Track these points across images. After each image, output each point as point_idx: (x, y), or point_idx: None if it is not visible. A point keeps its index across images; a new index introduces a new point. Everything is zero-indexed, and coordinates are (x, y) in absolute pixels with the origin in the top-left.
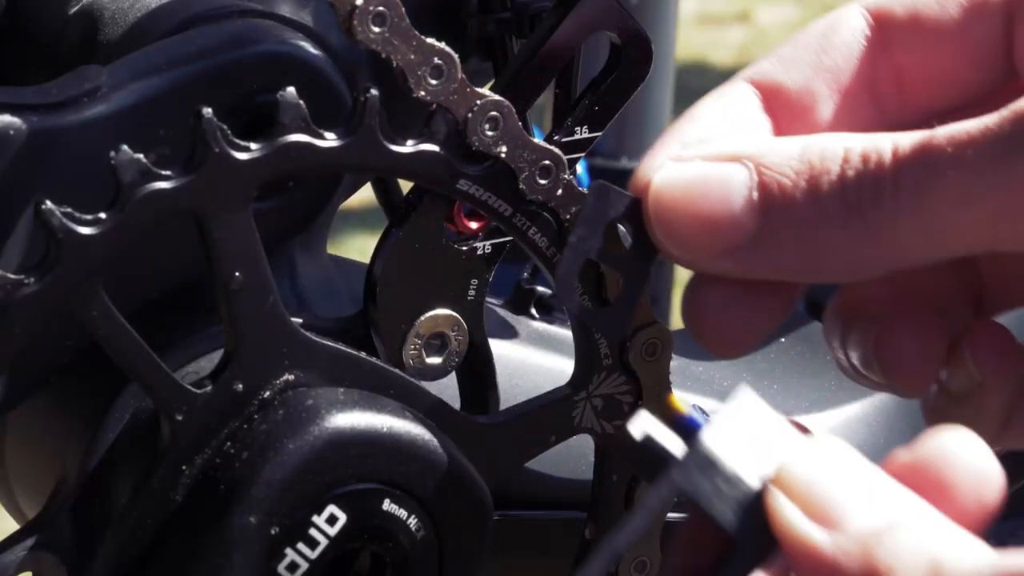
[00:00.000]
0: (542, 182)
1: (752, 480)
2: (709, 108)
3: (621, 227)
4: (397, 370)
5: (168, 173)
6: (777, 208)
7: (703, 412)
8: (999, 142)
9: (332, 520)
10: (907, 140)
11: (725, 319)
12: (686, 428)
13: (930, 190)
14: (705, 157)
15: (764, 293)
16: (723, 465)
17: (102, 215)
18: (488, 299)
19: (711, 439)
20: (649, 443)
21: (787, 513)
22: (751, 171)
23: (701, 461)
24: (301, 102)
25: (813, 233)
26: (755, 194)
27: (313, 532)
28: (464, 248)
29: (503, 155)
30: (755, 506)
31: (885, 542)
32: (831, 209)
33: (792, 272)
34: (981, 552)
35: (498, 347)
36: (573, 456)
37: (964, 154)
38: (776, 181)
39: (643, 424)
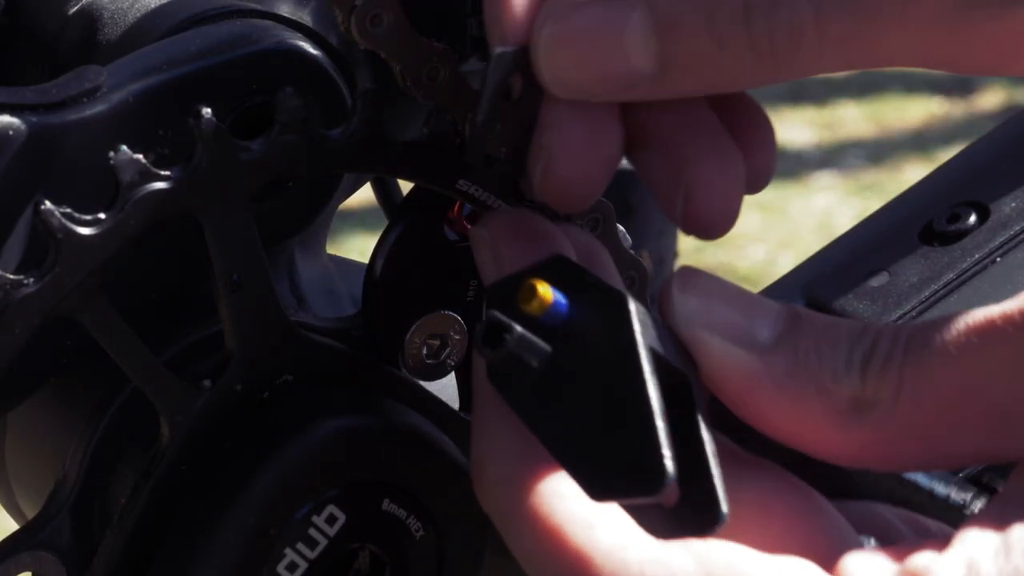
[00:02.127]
0: None
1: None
2: None
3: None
4: (397, 370)
5: (168, 173)
6: (678, 48)
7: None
8: None
9: (331, 520)
10: None
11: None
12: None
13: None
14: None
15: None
16: (652, 315)
17: (102, 215)
18: None
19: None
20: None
21: (714, 342)
22: (644, 13)
23: (641, 318)
24: (301, 102)
25: (715, 63)
26: (652, 40)
27: (312, 532)
28: (464, 248)
29: (503, 155)
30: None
31: None
32: (734, 42)
33: (693, 93)
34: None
35: None
36: None
37: None
38: (671, 20)
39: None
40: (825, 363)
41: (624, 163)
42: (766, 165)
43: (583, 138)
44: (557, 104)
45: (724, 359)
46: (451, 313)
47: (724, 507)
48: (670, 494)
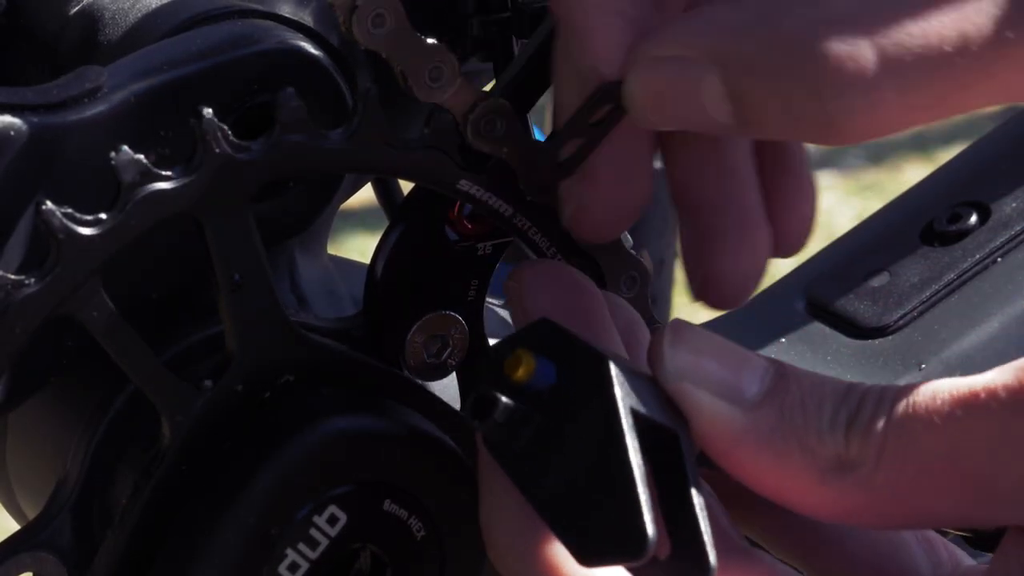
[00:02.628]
0: None
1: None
2: None
3: None
4: (397, 370)
5: (168, 173)
6: (750, 115)
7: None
8: None
9: (333, 520)
10: None
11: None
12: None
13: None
14: (671, 56)
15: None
16: (636, 374)
17: (102, 216)
18: (488, 299)
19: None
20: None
21: (702, 397)
22: (716, 78)
23: (621, 381)
24: (301, 102)
25: (790, 129)
26: (726, 103)
27: (314, 532)
28: (464, 248)
29: (504, 155)
30: (658, 390)
31: None
32: (809, 119)
33: (772, 139)
34: None
35: None
36: None
37: None
38: (743, 90)
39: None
40: (810, 422)
41: None
42: (799, 231)
43: (616, 191)
44: (595, 157)
45: (711, 415)
46: (452, 313)
47: (712, 559)
48: (660, 548)
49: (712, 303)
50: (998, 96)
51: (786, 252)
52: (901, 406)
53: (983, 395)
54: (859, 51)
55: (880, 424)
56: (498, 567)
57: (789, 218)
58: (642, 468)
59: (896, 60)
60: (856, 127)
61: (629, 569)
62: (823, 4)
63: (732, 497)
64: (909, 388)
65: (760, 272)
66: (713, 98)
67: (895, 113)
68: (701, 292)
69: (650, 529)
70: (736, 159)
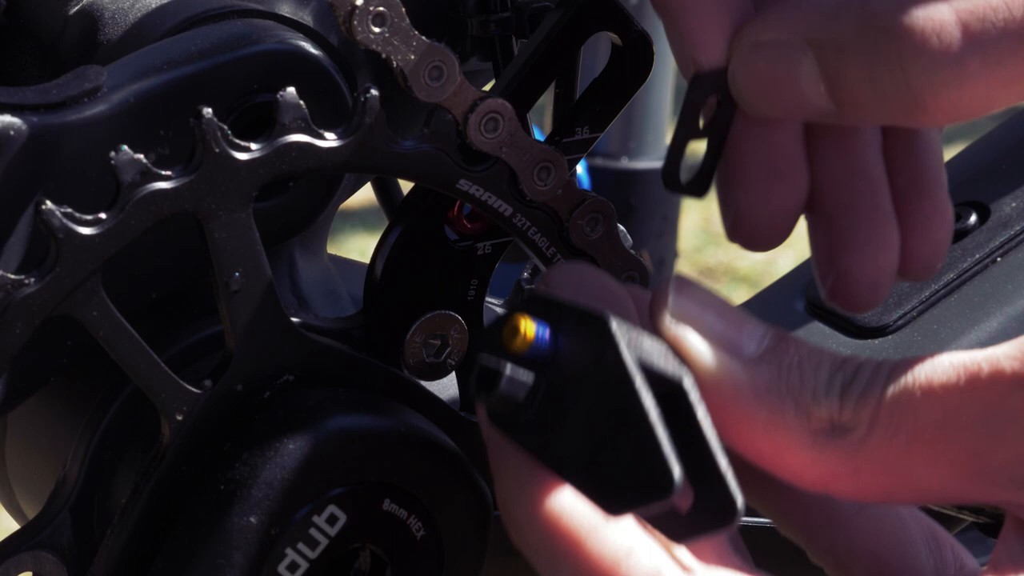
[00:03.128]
0: (542, 183)
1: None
2: None
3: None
4: (397, 370)
5: (168, 173)
6: (846, 95)
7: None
8: None
9: (332, 520)
10: None
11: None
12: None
13: None
14: (770, 40)
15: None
16: (637, 329)
17: (102, 215)
18: (488, 299)
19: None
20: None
21: (702, 344)
22: (812, 61)
23: (626, 334)
24: (301, 102)
25: (884, 109)
26: (823, 85)
27: (313, 532)
28: (464, 248)
29: (503, 155)
30: (664, 350)
31: None
32: (895, 94)
33: (874, 123)
34: None
35: None
36: None
37: None
38: (836, 68)
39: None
40: (806, 382)
41: (625, 163)
42: (931, 256)
43: (773, 193)
44: (744, 161)
45: (710, 364)
46: (451, 313)
47: (738, 498)
48: (684, 496)
49: (843, 305)
50: None
51: (916, 275)
52: (899, 374)
53: (986, 367)
54: (944, 27)
55: (876, 390)
56: (520, 546)
57: (922, 241)
58: (656, 409)
59: (980, 35)
60: (942, 104)
61: (655, 524)
62: None
63: (740, 470)
64: (909, 359)
65: (890, 278)
66: (810, 80)
67: (981, 90)
68: (832, 294)
69: (675, 467)
70: (867, 161)
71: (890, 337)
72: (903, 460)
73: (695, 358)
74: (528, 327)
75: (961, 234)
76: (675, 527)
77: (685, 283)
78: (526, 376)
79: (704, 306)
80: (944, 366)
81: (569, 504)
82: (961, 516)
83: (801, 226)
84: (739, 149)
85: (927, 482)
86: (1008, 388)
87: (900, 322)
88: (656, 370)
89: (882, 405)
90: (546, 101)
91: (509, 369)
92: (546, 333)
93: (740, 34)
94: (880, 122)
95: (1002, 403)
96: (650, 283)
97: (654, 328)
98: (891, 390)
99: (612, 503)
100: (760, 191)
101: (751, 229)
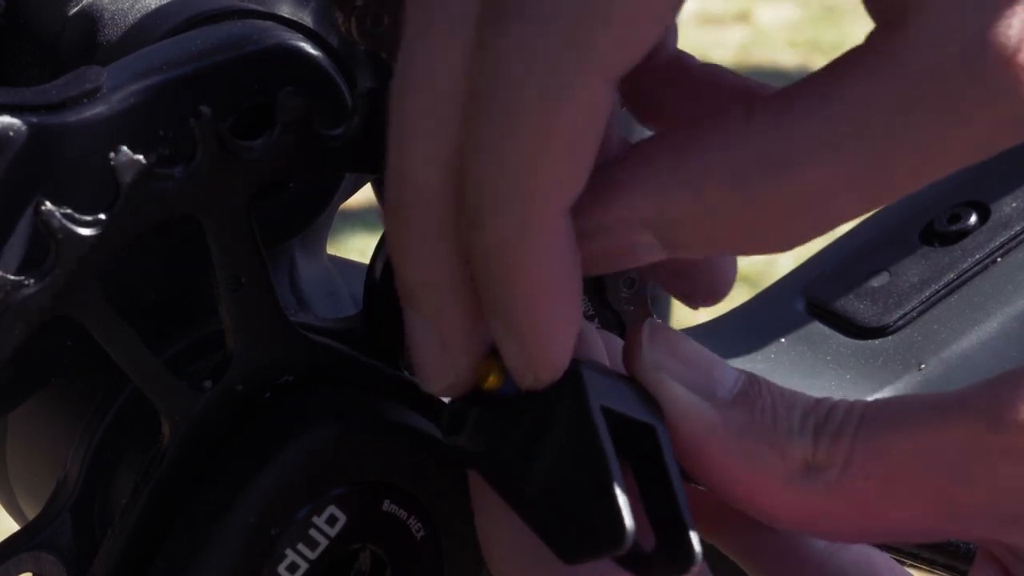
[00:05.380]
0: None
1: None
2: None
3: None
4: (397, 370)
5: (168, 173)
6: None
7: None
8: None
9: (332, 520)
10: None
11: None
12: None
13: None
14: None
15: None
16: (608, 375)
17: (102, 216)
18: None
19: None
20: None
21: (675, 389)
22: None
23: (593, 381)
24: (301, 102)
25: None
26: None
27: (313, 532)
28: None
29: None
30: (636, 390)
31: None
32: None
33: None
34: None
35: None
36: None
37: None
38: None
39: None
40: (780, 423)
41: None
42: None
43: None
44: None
45: (684, 407)
46: None
47: (696, 546)
48: (643, 541)
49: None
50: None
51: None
52: (872, 415)
53: (956, 407)
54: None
55: (850, 430)
56: None
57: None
58: (615, 460)
59: None
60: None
61: (621, 563)
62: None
63: (710, 514)
64: (882, 400)
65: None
66: (648, 244)
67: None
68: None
69: (627, 518)
70: None
71: (890, 337)
72: (877, 499)
73: (669, 403)
74: (499, 369)
75: (961, 234)
76: (636, 567)
77: (658, 328)
78: (494, 418)
79: (676, 351)
80: (916, 406)
81: (544, 556)
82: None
83: None
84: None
85: (901, 521)
86: (981, 427)
87: (900, 322)
88: (627, 416)
89: (856, 445)
90: None
91: (477, 410)
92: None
93: (583, 219)
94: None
95: (974, 442)
96: (649, 284)
97: (629, 373)
98: (864, 430)
99: (567, 550)
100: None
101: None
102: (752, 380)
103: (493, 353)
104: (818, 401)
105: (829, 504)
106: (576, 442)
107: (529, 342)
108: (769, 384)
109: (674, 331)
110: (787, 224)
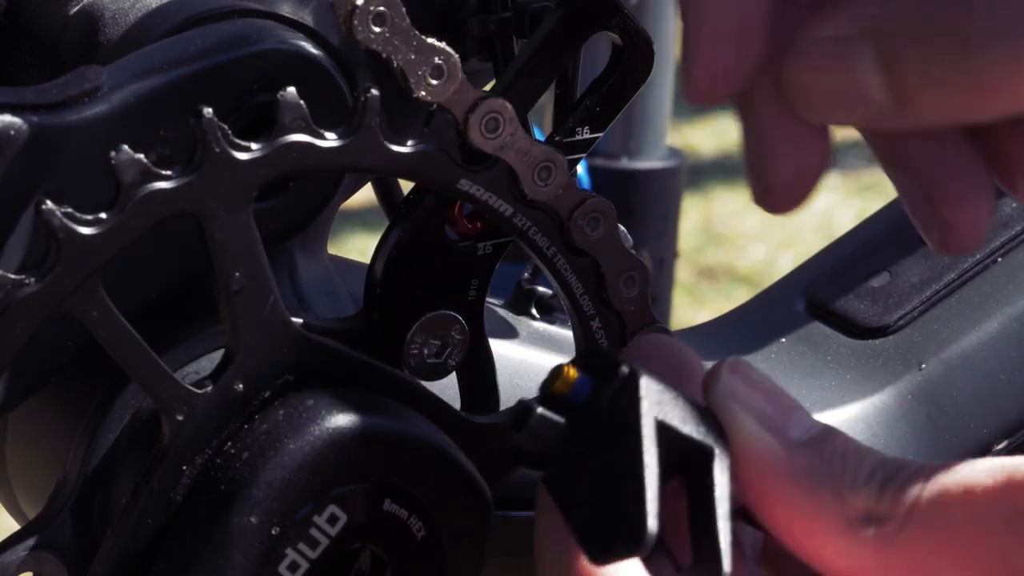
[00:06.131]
0: (542, 183)
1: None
2: None
3: None
4: (397, 370)
5: (168, 173)
6: (907, 84)
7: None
8: None
9: (333, 520)
10: None
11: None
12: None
13: None
14: (830, 37)
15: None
16: (668, 390)
17: (102, 215)
18: (488, 299)
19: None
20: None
21: (746, 420)
22: (871, 50)
23: (651, 392)
24: (301, 102)
25: (945, 99)
26: (883, 76)
27: (314, 532)
28: (464, 248)
29: (504, 155)
30: (706, 418)
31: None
32: (955, 79)
33: (937, 125)
34: None
35: (498, 347)
36: None
37: None
38: (895, 56)
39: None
40: (848, 471)
41: (625, 163)
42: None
43: (789, 154)
44: (761, 123)
45: (754, 440)
46: (452, 313)
47: (726, 565)
48: (682, 557)
49: (956, 252)
50: None
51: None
52: (939, 472)
53: (1022, 471)
54: (1000, 4)
55: (916, 487)
56: None
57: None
58: (654, 468)
59: None
60: (1002, 86)
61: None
62: None
63: (769, 558)
64: (951, 463)
65: (986, 226)
66: (869, 74)
67: None
68: (940, 246)
69: (651, 522)
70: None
71: (891, 337)
72: (934, 557)
73: (738, 432)
74: (571, 373)
75: None
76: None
77: (742, 364)
78: (556, 419)
79: (756, 387)
80: (983, 468)
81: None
82: None
83: (804, 225)
84: (764, 119)
85: None
86: None
87: (901, 322)
88: (685, 434)
89: (919, 500)
90: (546, 101)
91: (541, 409)
92: (587, 382)
93: (799, 33)
94: (941, 118)
95: None
96: (649, 283)
97: (705, 399)
98: (929, 487)
99: (595, 550)
100: (788, 161)
101: (780, 197)
102: (829, 431)
103: (572, 363)
104: (891, 459)
105: (884, 557)
106: (622, 447)
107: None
108: (846, 437)
109: (759, 371)
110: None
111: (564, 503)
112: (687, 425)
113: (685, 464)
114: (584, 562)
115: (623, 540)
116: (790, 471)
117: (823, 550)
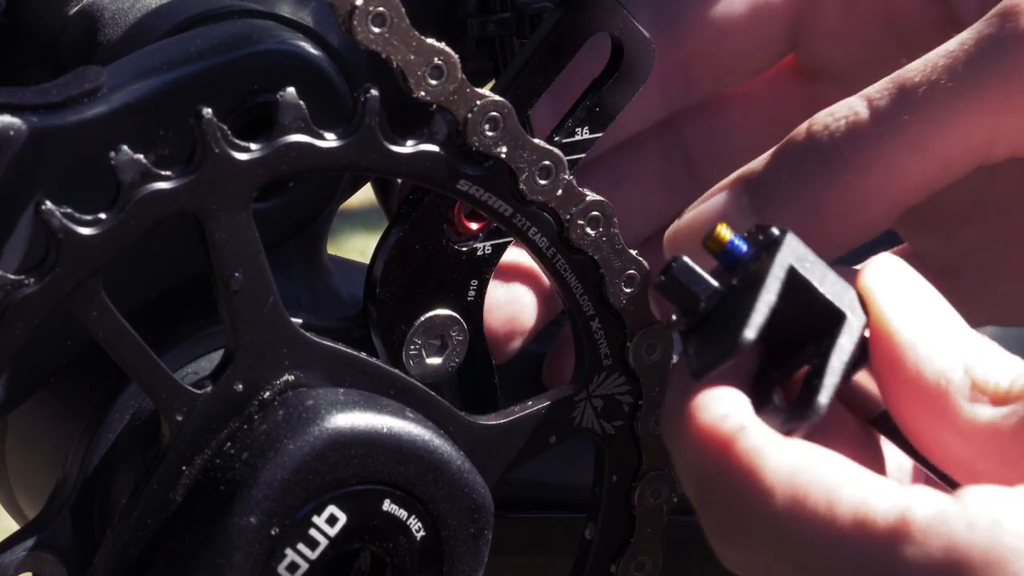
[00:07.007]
0: (542, 182)
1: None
2: None
3: None
4: (397, 370)
5: (168, 173)
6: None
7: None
8: (983, 43)
9: (332, 520)
10: (877, 88)
11: None
12: (734, 251)
13: (916, 110)
14: None
15: None
16: (817, 257)
17: (102, 215)
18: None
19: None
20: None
21: (887, 300)
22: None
23: (795, 248)
24: (301, 102)
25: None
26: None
27: (313, 532)
28: (464, 248)
29: (503, 155)
30: (849, 294)
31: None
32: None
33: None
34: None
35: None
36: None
37: (948, 68)
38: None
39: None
40: (982, 360)
41: None
42: None
43: None
44: None
45: (892, 316)
46: (452, 313)
47: (823, 399)
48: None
49: None
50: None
51: None
52: None
53: None
54: None
55: None
56: (675, 463)
57: None
58: (771, 296)
59: None
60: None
61: (764, 418)
62: None
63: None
64: None
65: None
66: None
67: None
68: None
69: (752, 327)
70: None
71: None
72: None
73: (880, 306)
74: (723, 234)
75: None
76: (772, 415)
77: (898, 262)
78: (699, 270)
79: (910, 280)
80: None
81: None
82: None
83: None
84: None
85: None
86: None
87: None
88: (820, 293)
89: None
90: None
91: (683, 259)
92: (741, 243)
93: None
94: None
95: None
96: (650, 283)
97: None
98: None
99: (699, 365)
100: None
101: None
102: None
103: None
104: None
105: (1004, 441)
106: (751, 281)
107: None
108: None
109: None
110: None
111: (689, 344)
112: (825, 286)
113: (815, 330)
114: (695, 401)
115: (724, 345)
116: (923, 349)
117: (944, 430)
